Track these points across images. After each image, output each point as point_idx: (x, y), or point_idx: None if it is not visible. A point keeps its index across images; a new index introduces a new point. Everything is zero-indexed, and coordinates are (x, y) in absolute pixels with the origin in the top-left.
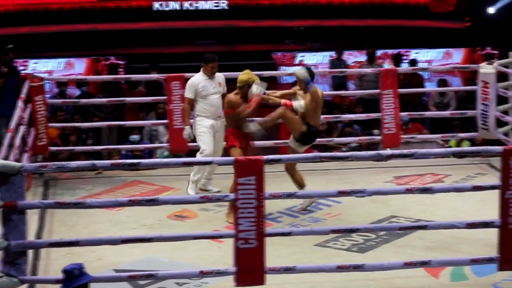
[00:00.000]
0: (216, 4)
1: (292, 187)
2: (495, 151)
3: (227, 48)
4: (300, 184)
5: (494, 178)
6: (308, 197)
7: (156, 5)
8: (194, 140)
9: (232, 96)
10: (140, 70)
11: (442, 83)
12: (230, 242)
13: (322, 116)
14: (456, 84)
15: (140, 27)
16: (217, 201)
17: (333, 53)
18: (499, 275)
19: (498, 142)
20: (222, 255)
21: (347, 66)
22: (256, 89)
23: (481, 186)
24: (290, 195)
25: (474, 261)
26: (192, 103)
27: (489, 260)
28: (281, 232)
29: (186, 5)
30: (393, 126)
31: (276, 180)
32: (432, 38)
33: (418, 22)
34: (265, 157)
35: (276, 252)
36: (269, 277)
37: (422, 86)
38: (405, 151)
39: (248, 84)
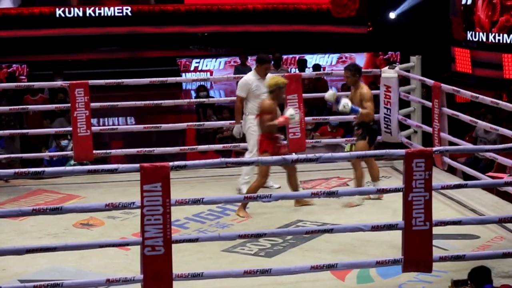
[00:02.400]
0: (120, 11)
1: (198, 193)
2: (398, 154)
3: (131, 54)
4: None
5: (397, 181)
6: (215, 203)
7: (59, 12)
8: (243, 139)
9: (266, 102)
10: (44, 77)
11: (346, 88)
12: (137, 249)
13: (228, 122)
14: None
15: (42, 34)
16: (123, 208)
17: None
18: (404, 276)
19: (401, 146)
20: (129, 262)
21: None
22: (290, 115)
23: (385, 189)
24: (196, 201)
25: (380, 263)
26: (243, 102)
27: (394, 262)
28: (188, 239)
29: (89, 11)
30: (298, 131)
31: (183, 186)
32: (335, 43)
33: (321, 27)
34: (170, 163)
35: (183, 259)
36: (176, 284)
37: (327, 91)
38: (310, 156)
39: (278, 87)
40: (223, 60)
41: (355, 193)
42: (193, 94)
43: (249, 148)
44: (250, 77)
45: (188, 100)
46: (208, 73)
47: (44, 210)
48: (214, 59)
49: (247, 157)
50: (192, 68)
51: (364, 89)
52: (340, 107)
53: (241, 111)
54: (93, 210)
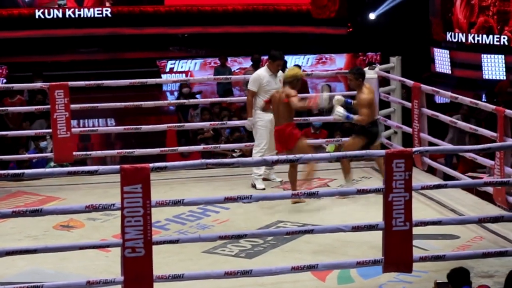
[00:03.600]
0: (100, 12)
1: (179, 195)
2: (378, 155)
3: (111, 55)
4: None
5: (378, 181)
6: (195, 204)
7: (39, 13)
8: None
9: (289, 89)
10: (23, 79)
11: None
12: (117, 251)
13: (207, 123)
14: (340, 89)
15: (22, 35)
16: (103, 210)
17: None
18: (384, 276)
19: (381, 146)
20: (110, 264)
21: (232, 73)
22: (325, 100)
23: (365, 190)
24: (176, 203)
25: (360, 264)
26: (254, 96)
27: (375, 262)
28: (169, 240)
29: (69, 12)
30: None
31: (163, 188)
32: (315, 44)
33: (301, 28)
34: (151, 165)
35: (164, 260)
36: (157, 285)
37: (307, 92)
38: (290, 156)
39: (297, 79)
40: (198, 61)
41: (336, 193)
42: (169, 96)
43: (256, 142)
44: (262, 72)
45: (168, 101)
46: (184, 75)
47: (24, 212)
48: (189, 60)
49: (254, 151)
50: (167, 70)
51: (364, 94)
52: (333, 116)
53: (252, 105)
54: (73, 212)
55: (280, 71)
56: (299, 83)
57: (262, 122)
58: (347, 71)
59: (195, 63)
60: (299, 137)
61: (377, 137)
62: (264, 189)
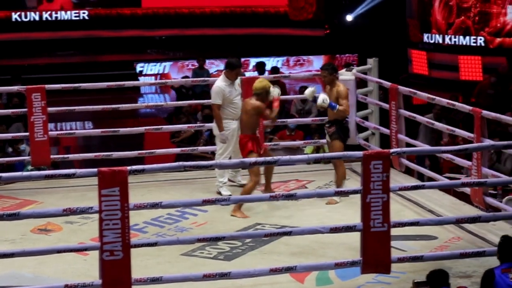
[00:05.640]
0: (77, 14)
1: (157, 197)
2: (355, 156)
3: (88, 58)
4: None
5: (356, 183)
6: (173, 207)
7: (15, 16)
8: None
9: (255, 102)
10: (1, 82)
11: (304, 90)
12: (95, 254)
13: (186, 126)
14: (318, 91)
15: None
16: (81, 213)
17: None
18: (362, 278)
19: (358, 147)
20: (88, 268)
21: (209, 75)
22: (278, 93)
23: (343, 191)
24: (155, 205)
25: (338, 265)
26: (220, 108)
27: (353, 264)
28: (147, 243)
29: (45, 15)
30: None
31: (140, 191)
32: (292, 46)
33: (279, 30)
34: (128, 167)
35: (142, 263)
36: None
37: (286, 93)
38: (268, 158)
39: (266, 91)
40: (168, 64)
41: (314, 195)
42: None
43: (219, 151)
44: (221, 83)
45: (146, 103)
46: (153, 77)
47: (1, 216)
48: (158, 64)
49: (217, 158)
50: (137, 71)
51: (341, 87)
52: (319, 102)
53: (221, 118)
54: (51, 216)
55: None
56: (269, 96)
57: (229, 131)
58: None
59: (164, 66)
60: (248, 151)
61: (348, 134)
62: (230, 195)
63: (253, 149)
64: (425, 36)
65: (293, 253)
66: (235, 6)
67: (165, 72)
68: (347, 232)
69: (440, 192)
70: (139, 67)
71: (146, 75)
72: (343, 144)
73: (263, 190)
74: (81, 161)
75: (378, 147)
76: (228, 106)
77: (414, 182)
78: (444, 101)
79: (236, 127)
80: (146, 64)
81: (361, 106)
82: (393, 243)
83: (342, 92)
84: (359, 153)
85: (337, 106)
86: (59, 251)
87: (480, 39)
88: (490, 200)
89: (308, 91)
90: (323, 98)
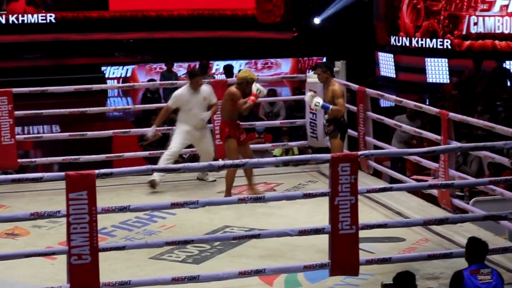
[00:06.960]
0: (43, 18)
1: (125, 201)
2: (323, 159)
3: (55, 62)
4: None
5: (324, 185)
6: (141, 210)
7: None
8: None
9: (233, 89)
10: None
11: (272, 93)
12: (63, 258)
13: (157, 128)
14: (285, 94)
15: None
16: (49, 217)
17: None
18: (331, 280)
19: (327, 150)
20: (56, 272)
21: (178, 78)
22: (257, 89)
23: (312, 194)
24: (123, 209)
25: (307, 268)
26: (169, 112)
27: (321, 266)
28: (116, 247)
29: (12, 18)
30: None
31: (109, 194)
32: (260, 49)
33: (247, 33)
34: (96, 171)
35: (111, 267)
36: None
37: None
38: (236, 161)
39: (246, 81)
40: (130, 67)
41: (283, 198)
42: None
43: (170, 144)
44: (183, 91)
45: (113, 107)
46: (115, 81)
47: None
48: (121, 67)
49: (167, 152)
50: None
51: (336, 86)
52: (312, 106)
53: (163, 116)
54: (18, 220)
55: (204, 86)
56: (249, 86)
57: (179, 130)
58: (291, 75)
59: (127, 69)
60: (226, 136)
61: (347, 131)
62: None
63: (230, 134)
64: (392, 38)
65: (262, 256)
66: (203, 9)
67: (128, 75)
68: (316, 235)
69: (408, 194)
70: (102, 70)
71: (108, 78)
72: (342, 141)
73: (247, 190)
74: (48, 165)
75: (346, 149)
76: (184, 113)
77: (382, 184)
78: (411, 103)
79: (188, 131)
80: (109, 67)
81: None
82: (361, 245)
83: (337, 91)
84: (327, 156)
85: (330, 106)
86: (27, 255)
87: (447, 42)
88: (457, 202)
89: (307, 97)
90: (315, 102)
